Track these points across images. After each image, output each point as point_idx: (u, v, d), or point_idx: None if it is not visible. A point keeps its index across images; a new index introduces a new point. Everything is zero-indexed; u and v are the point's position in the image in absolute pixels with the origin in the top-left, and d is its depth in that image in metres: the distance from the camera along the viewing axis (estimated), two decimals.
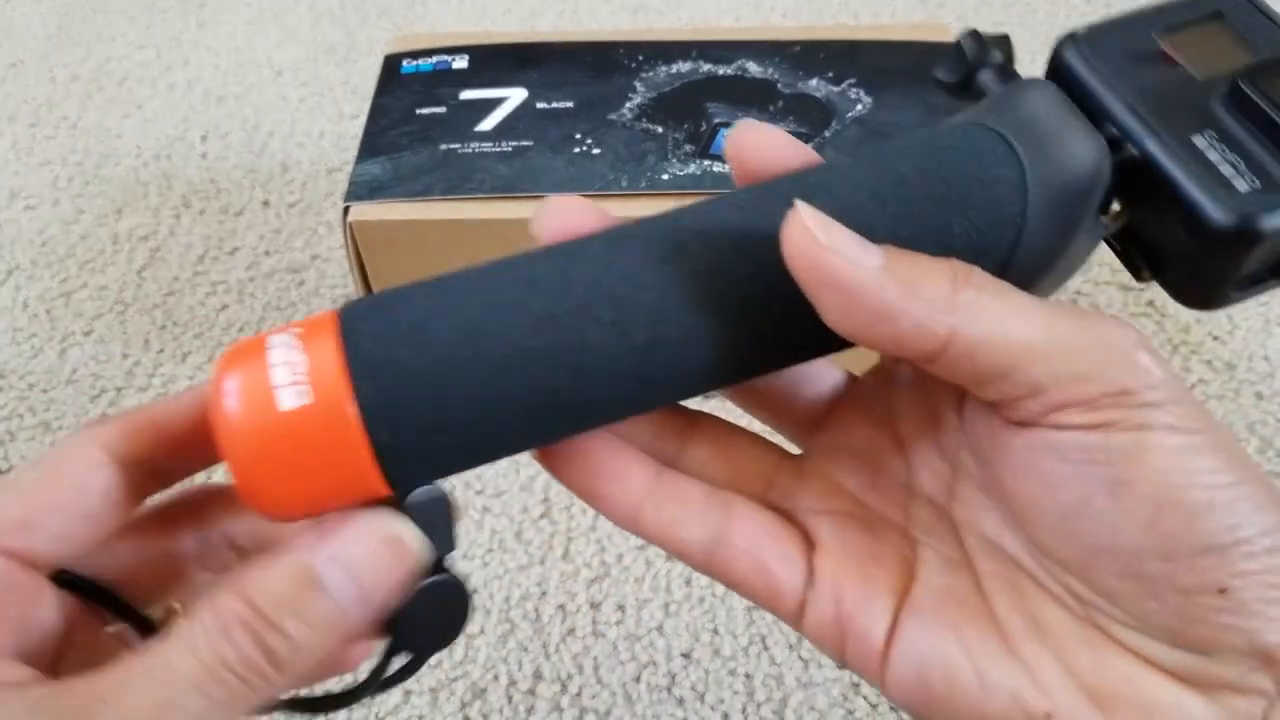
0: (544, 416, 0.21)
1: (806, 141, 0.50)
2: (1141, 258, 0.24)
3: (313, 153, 0.74)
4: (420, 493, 0.21)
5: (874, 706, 0.46)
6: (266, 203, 0.70)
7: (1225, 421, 0.56)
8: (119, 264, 0.66)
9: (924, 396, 0.24)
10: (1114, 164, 0.22)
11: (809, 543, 0.24)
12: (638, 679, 0.47)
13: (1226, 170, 0.21)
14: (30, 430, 0.57)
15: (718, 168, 0.49)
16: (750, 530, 0.24)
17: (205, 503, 0.26)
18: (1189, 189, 0.21)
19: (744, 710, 0.46)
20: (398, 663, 0.23)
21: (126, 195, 0.71)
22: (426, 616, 0.22)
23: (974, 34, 0.25)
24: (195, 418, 0.23)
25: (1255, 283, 0.22)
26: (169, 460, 0.24)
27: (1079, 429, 0.20)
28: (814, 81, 0.54)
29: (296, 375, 0.19)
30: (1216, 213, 0.21)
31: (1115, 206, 0.23)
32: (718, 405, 0.28)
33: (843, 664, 0.23)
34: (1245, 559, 0.19)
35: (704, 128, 0.51)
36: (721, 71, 0.55)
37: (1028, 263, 0.22)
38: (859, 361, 0.25)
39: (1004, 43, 0.25)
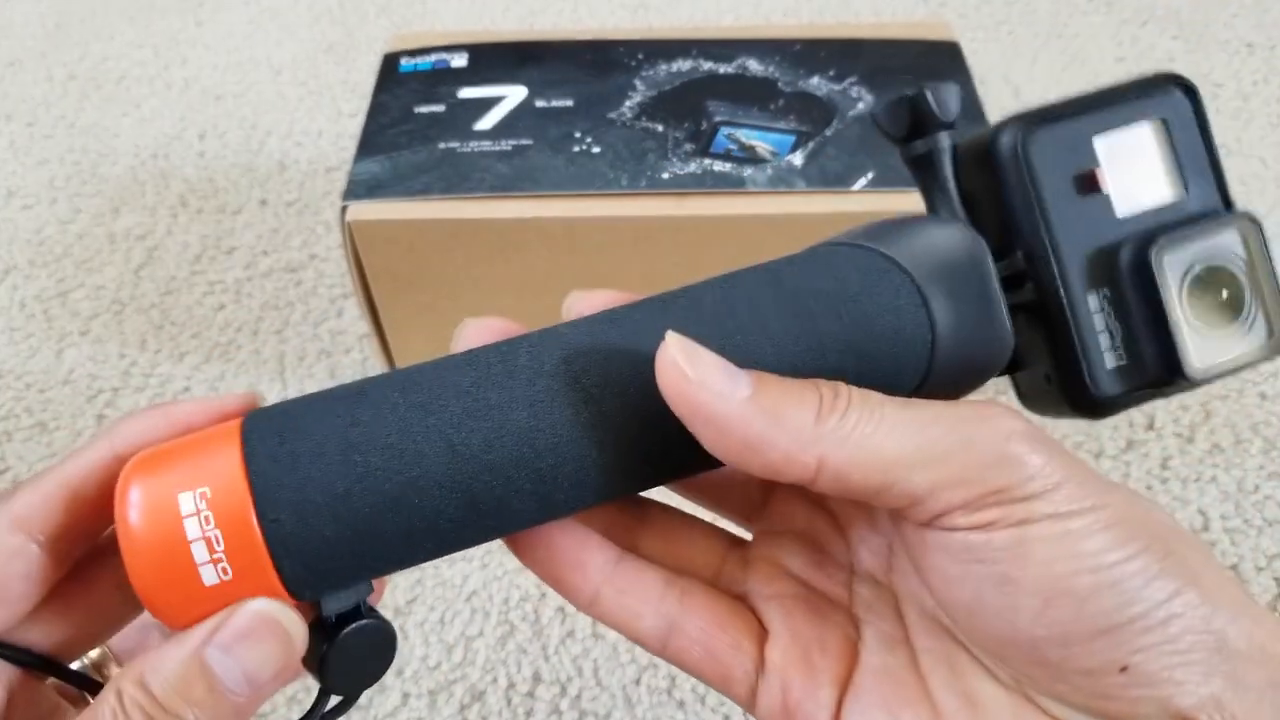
0: (465, 545, 0.22)
1: (808, 140, 0.50)
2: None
3: (311, 151, 0.74)
4: None
5: None
6: (264, 202, 0.70)
7: (1229, 422, 0.55)
8: (116, 263, 0.66)
9: None
10: (1009, 307, 0.23)
11: (761, 629, 0.25)
12: (638, 681, 0.47)
13: (1104, 341, 0.22)
14: (27, 430, 0.57)
15: (718, 166, 0.49)
16: (703, 621, 0.24)
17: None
18: (1073, 349, 0.22)
19: (744, 712, 0.46)
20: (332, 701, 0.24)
21: (124, 194, 0.71)
22: (353, 658, 0.22)
23: (921, 94, 0.24)
24: (108, 474, 0.23)
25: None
26: (88, 523, 0.24)
27: (964, 530, 0.20)
28: (815, 80, 0.54)
29: (217, 552, 0.20)
30: (1086, 382, 0.22)
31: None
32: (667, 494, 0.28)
33: None
34: (1142, 634, 0.19)
35: (704, 126, 0.51)
36: (722, 70, 0.55)
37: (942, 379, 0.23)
38: None
39: (952, 95, 0.24)
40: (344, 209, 0.48)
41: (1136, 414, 0.54)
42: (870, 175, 0.48)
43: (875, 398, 0.21)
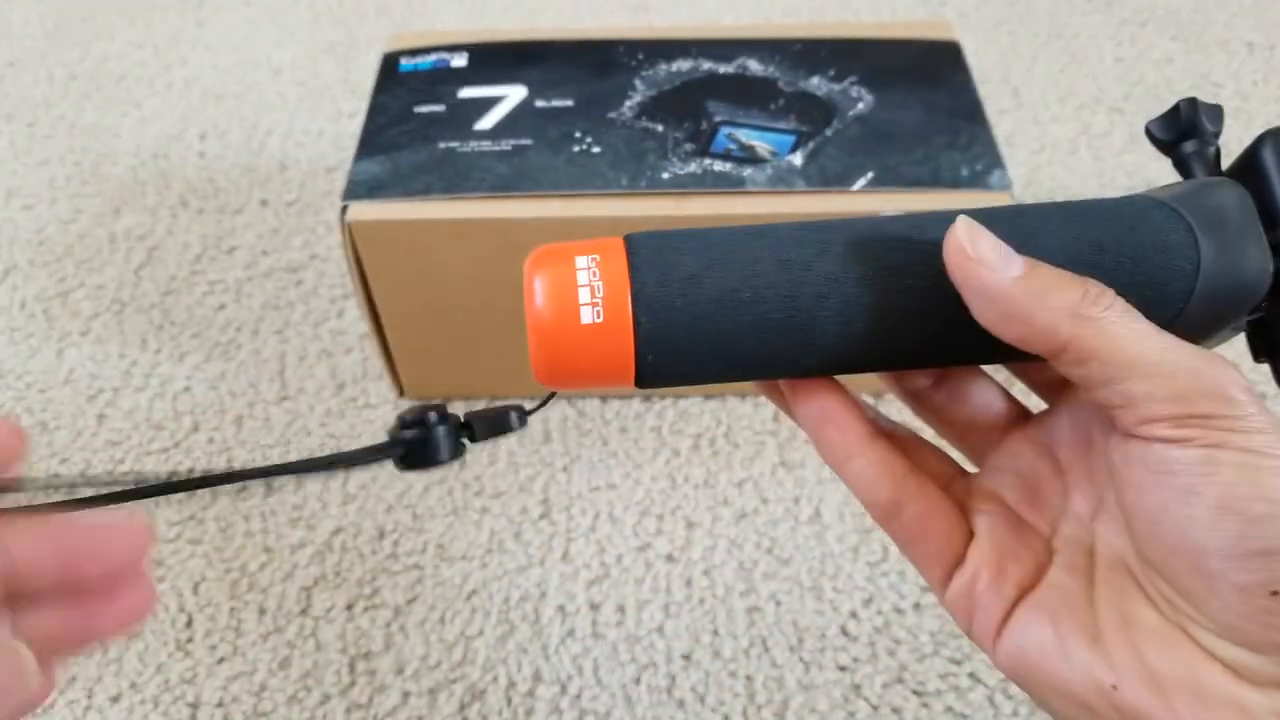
0: (765, 366, 0.27)
1: (808, 140, 0.50)
2: (1264, 346, 0.28)
3: (311, 151, 0.74)
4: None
5: (875, 709, 0.46)
6: (264, 202, 0.70)
7: None
8: (116, 263, 0.66)
9: (1080, 427, 0.28)
10: (1273, 272, 0.25)
11: (970, 533, 0.28)
12: (638, 681, 0.47)
13: None
14: (28, 430, 0.57)
15: (718, 166, 0.49)
16: (928, 508, 0.28)
17: None
18: None
19: (744, 712, 0.46)
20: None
21: (124, 194, 0.71)
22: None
23: (1192, 102, 0.28)
24: None
25: None
26: None
27: (1162, 442, 0.23)
28: (815, 79, 0.54)
29: (595, 299, 0.25)
30: None
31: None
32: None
33: (967, 632, 0.28)
34: None
35: (704, 126, 0.51)
36: (722, 70, 0.55)
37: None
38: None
39: (1217, 114, 0.28)
40: (344, 209, 0.48)
41: None
42: (870, 175, 0.48)
43: (1134, 312, 0.24)
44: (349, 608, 0.50)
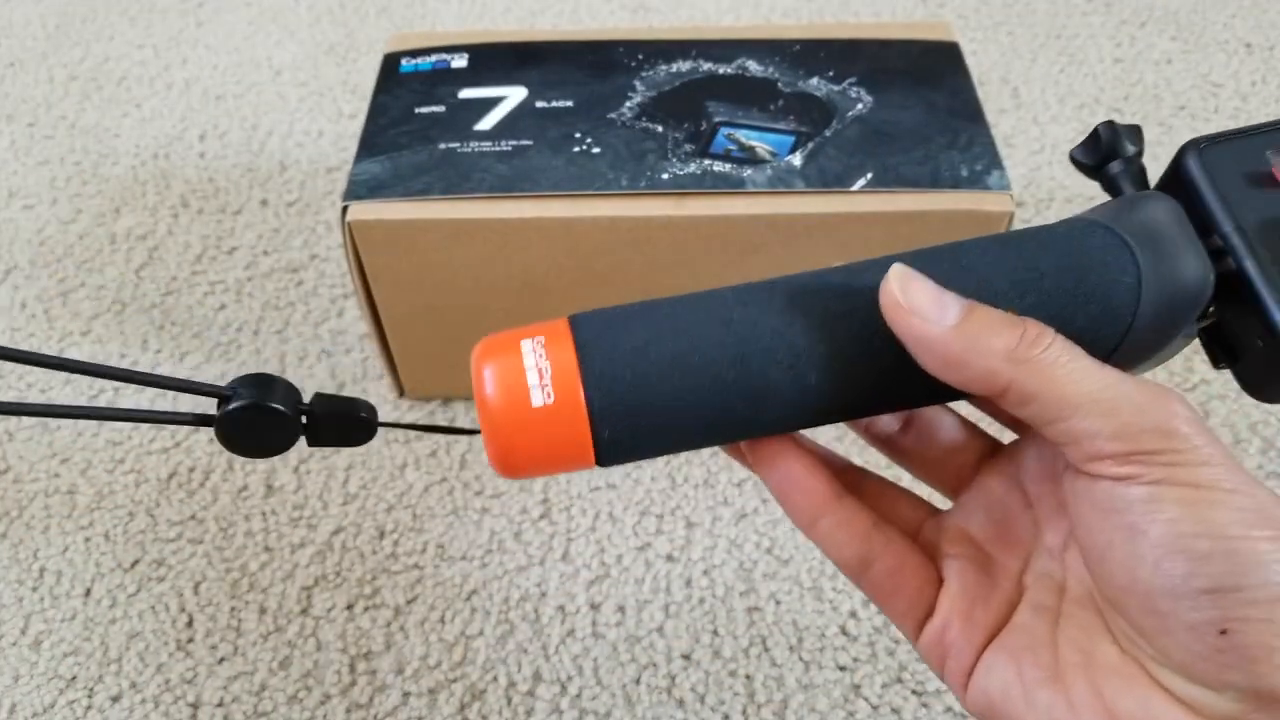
0: (724, 429, 0.27)
1: (807, 141, 0.50)
2: (1221, 352, 0.28)
3: (311, 152, 0.74)
4: None
5: (875, 709, 0.46)
6: (265, 202, 0.70)
7: (1228, 421, 0.56)
8: (117, 264, 0.66)
9: (1046, 459, 0.28)
10: (1215, 275, 0.26)
11: (939, 579, 0.29)
12: (638, 680, 0.47)
13: None
14: (29, 430, 0.57)
15: (718, 167, 0.49)
16: (896, 563, 0.28)
17: None
18: (1273, 309, 0.25)
19: (744, 712, 0.46)
20: None
21: (124, 195, 0.71)
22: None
23: (1110, 124, 0.29)
24: None
25: None
26: None
27: (1109, 480, 0.23)
28: (814, 80, 0.54)
29: (544, 380, 0.25)
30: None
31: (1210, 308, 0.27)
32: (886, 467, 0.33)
33: (941, 678, 0.28)
34: (1247, 605, 0.21)
35: (704, 127, 0.51)
36: (722, 70, 0.55)
37: (1130, 353, 0.26)
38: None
39: (1136, 133, 0.29)
40: (344, 209, 0.48)
41: None
42: (869, 176, 0.48)
43: (1076, 349, 0.24)
44: (349, 608, 0.50)
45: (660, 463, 0.55)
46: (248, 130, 0.76)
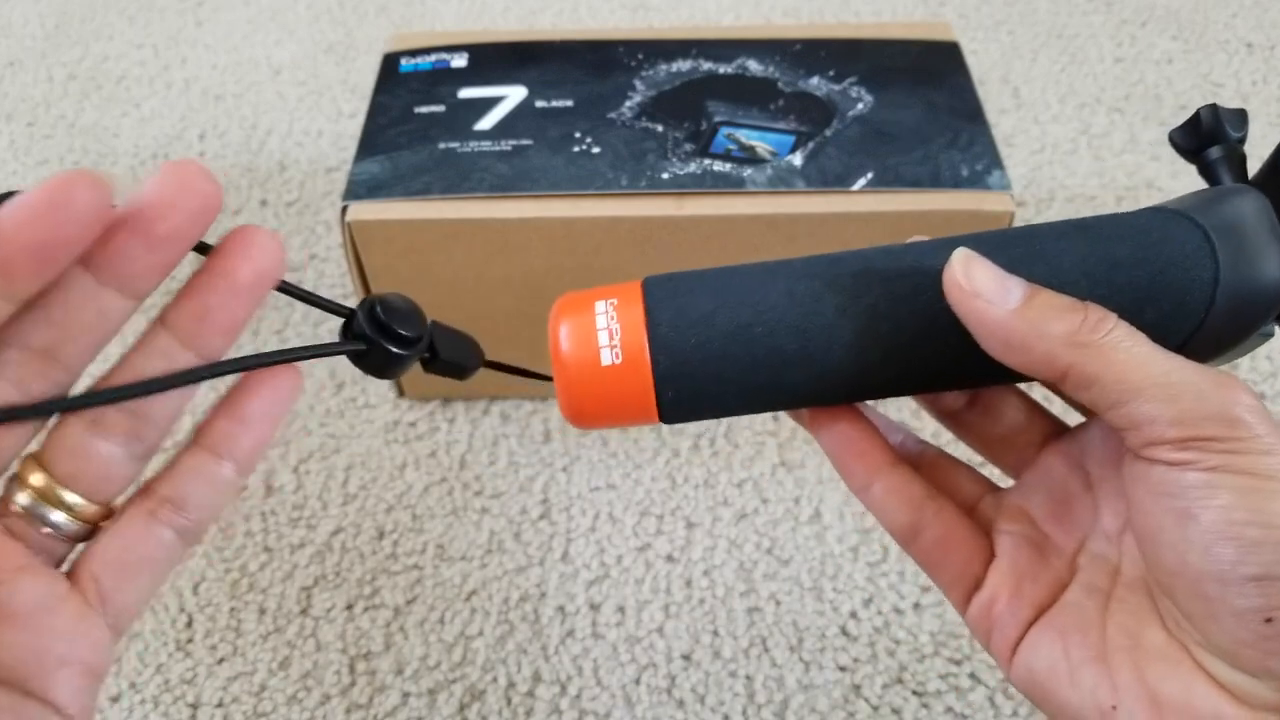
0: (783, 398, 0.27)
1: (808, 140, 0.50)
2: None
3: (311, 152, 0.74)
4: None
5: (875, 709, 0.46)
6: (264, 202, 0.70)
7: None
8: None
9: (1110, 442, 0.28)
10: None
11: (991, 553, 0.29)
12: (637, 681, 0.47)
13: None
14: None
15: (718, 167, 0.49)
16: (946, 532, 0.29)
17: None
18: None
19: (744, 712, 0.46)
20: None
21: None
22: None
23: (1212, 108, 0.28)
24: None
25: None
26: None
27: (1165, 465, 0.23)
28: (815, 80, 0.54)
29: (614, 341, 0.27)
30: None
31: None
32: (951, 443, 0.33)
33: (987, 649, 0.28)
34: None
35: (704, 126, 0.51)
36: (722, 70, 0.55)
37: (1198, 349, 0.26)
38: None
39: (1240, 118, 0.28)
40: (344, 209, 0.48)
41: None
42: (870, 175, 0.48)
43: (1138, 334, 0.24)
44: (349, 608, 0.50)
45: (660, 462, 0.55)
46: (247, 130, 0.76)
